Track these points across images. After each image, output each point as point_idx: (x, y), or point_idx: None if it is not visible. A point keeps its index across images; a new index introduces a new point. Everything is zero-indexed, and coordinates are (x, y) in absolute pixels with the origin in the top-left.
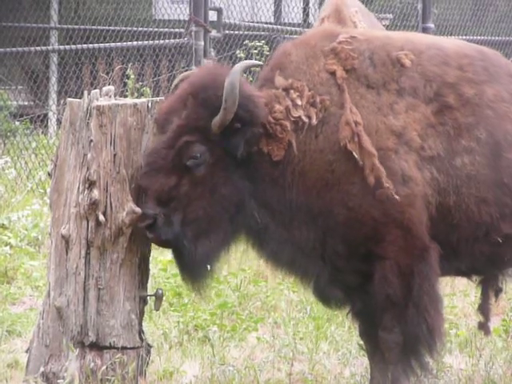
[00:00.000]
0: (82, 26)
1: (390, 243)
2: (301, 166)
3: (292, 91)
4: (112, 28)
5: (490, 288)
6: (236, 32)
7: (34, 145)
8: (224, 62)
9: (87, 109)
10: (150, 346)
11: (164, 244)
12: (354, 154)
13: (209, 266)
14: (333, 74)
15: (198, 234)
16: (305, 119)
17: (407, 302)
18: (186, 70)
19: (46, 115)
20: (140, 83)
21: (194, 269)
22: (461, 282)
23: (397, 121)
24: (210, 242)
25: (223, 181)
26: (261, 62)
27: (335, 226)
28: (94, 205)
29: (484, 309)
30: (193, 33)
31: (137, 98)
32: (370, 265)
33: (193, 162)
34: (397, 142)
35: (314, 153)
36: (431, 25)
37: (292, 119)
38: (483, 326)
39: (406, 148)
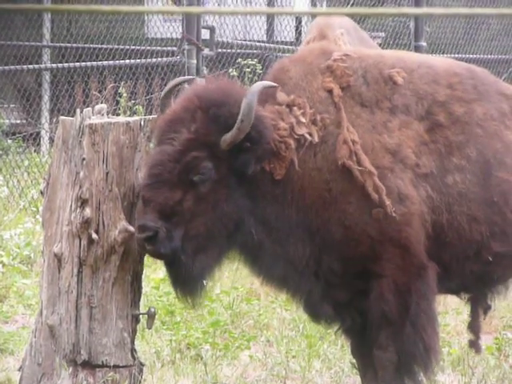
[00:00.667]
0: (75, 45)
1: (388, 261)
2: (300, 184)
3: (295, 108)
4: (104, 46)
5: (479, 306)
6: (229, 50)
7: (26, 163)
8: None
9: (80, 127)
10: (142, 364)
11: (160, 257)
12: (354, 172)
13: (204, 282)
14: (330, 92)
15: (197, 249)
16: (308, 137)
17: (404, 321)
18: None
19: (38, 133)
20: (132, 101)
21: (190, 284)
22: (453, 300)
23: (391, 139)
24: (207, 257)
25: (225, 198)
26: (276, 84)
27: (332, 243)
28: (86, 223)
29: (474, 327)
30: (185, 51)
31: (129, 116)
32: (365, 282)
33: (199, 178)
34: (392, 161)
35: (312, 171)
36: (423, 43)
37: (295, 137)
38: (474, 344)
39: (401, 166)
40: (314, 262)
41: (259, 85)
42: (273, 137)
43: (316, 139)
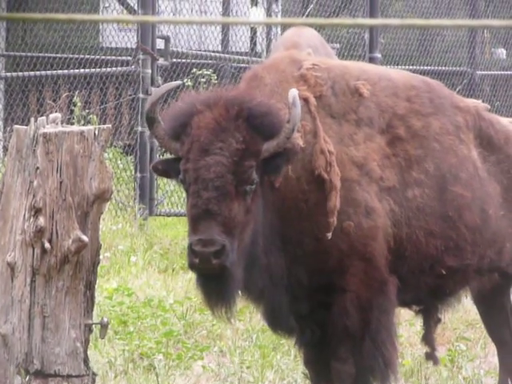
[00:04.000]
0: (29, 54)
1: (353, 275)
2: (283, 193)
3: None
4: (59, 55)
5: (430, 318)
6: (183, 60)
7: None
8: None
9: (34, 136)
10: (95, 374)
11: (223, 270)
12: (327, 183)
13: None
14: (306, 100)
15: (242, 261)
16: (299, 142)
17: (364, 335)
18: (133, 99)
19: None
20: (87, 111)
21: (232, 296)
22: (406, 312)
23: (357, 151)
24: (242, 268)
25: (257, 208)
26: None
27: (303, 255)
28: (39, 232)
29: (428, 339)
30: (140, 61)
31: (83, 125)
32: (328, 295)
33: (249, 189)
34: (359, 174)
35: (292, 180)
36: (378, 55)
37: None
38: (431, 356)
39: (367, 179)
40: (285, 274)
41: (296, 92)
42: None
43: (302, 145)
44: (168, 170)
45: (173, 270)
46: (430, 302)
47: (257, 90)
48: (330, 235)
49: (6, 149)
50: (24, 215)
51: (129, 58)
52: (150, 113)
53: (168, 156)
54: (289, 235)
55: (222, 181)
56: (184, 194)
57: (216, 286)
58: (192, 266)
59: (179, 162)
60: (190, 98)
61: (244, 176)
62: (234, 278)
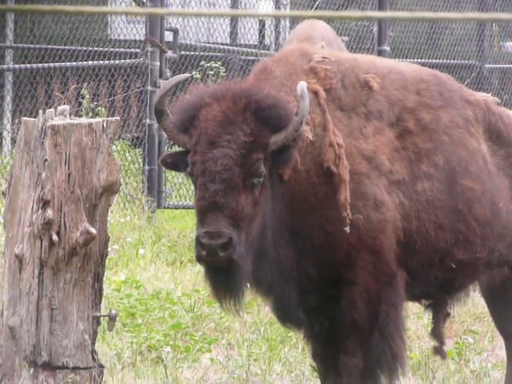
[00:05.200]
0: (38, 46)
1: (361, 269)
2: (292, 186)
3: None
4: (67, 47)
5: (440, 312)
6: (192, 53)
7: None
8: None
9: (42, 128)
10: (102, 366)
11: (230, 263)
12: (336, 176)
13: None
14: (315, 93)
15: (250, 254)
16: (308, 135)
17: (372, 328)
18: (142, 91)
19: (0, 134)
20: (95, 103)
21: (240, 289)
22: (414, 305)
23: (367, 145)
24: (250, 260)
25: (266, 200)
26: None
27: (311, 248)
28: (47, 224)
29: (437, 333)
30: (148, 53)
31: (92, 117)
32: (336, 288)
33: (257, 181)
34: (368, 167)
35: (301, 173)
36: (387, 48)
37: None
38: (439, 351)
39: (376, 172)
40: (295, 267)
41: (305, 84)
42: None
43: (311, 138)
44: (177, 162)
45: (181, 263)
46: (439, 296)
47: (266, 82)
48: (348, 229)
49: (14, 141)
50: (32, 207)
51: (137, 50)
52: (159, 105)
53: (176, 149)
54: (298, 228)
55: (230, 173)
56: (192, 187)
57: (224, 278)
58: (199, 259)
59: (188, 154)
60: (198, 90)
61: (251, 169)
62: (242, 270)
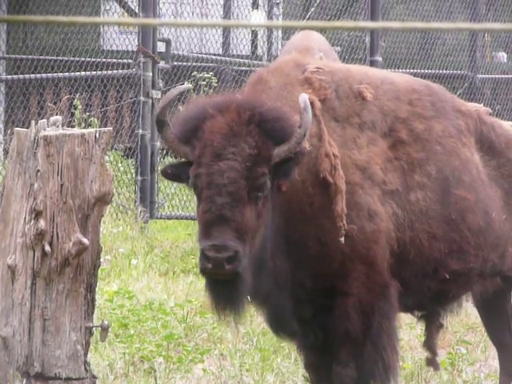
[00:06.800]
0: (30, 56)
1: (354, 279)
2: (289, 196)
3: None
4: (60, 58)
5: (433, 324)
6: (184, 63)
7: None
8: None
9: (34, 139)
10: (95, 377)
11: (232, 276)
12: (332, 187)
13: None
14: (311, 103)
15: (251, 265)
16: (306, 146)
17: (365, 339)
18: (134, 101)
19: None
20: (87, 113)
21: (241, 302)
22: (407, 315)
23: (360, 155)
24: (251, 272)
25: (267, 212)
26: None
27: (306, 259)
28: (40, 235)
29: (430, 345)
30: (141, 63)
31: (84, 128)
32: (330, 299)
33: (261, 194)
34: (362, 177)
35: (297, 183)
36: (379, 58)
37: None
38: (432, 362)
39: (369, 182)
40: (290, 278)
41: (307, 97)
42: None
43: (308, 148)
44: (178, 173)
45: (173, 273)
46: (432, 307)
47: (262, 93)
48: (343, 239)
49: (6, 151)
50: (25, 218)
51: (130, 60)
52: (161, 116)
53: (170, 160)
54: (293, 238)
55: (236, 186)
56: (185, 197)
57: (227, 290)
58: (204, 271)
59: (189, 165)
60: (199, 102)
61: (256, 182)
62: (245, 283)
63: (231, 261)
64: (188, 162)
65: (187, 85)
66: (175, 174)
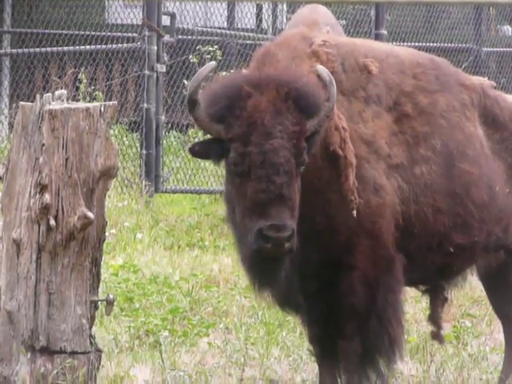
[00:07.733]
0: (35, 30)
1: (360, 253)
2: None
3: None
4: (65, 32)
5: (437, 297)
6: (189, 37)
7: None
8: (177, 67)
9: (39, 112)
10: (100, 350)
11: (288, 253)
12: (340, 160)
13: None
14: (319, 77)
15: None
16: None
17: (370, 313)
18: (139, 75)
19: None
20: (92, 87)
21: (282, 275)
22: (412, 289)
23: (366, 129)
24: None
25: (299, 187)
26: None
27: (314, 232)
28: (45, 209)
29: (435, 318)
30: (146, 37)
31: (89, 102)
32: (335, 273)
33: (301, 170)
34: (368, 151)
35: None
36: (384, 31)
37: None
38: (437, 336)
39: (375, 156)
40: (297, 251)
41: (326, 69)
42: None
43: None
44: (207, 151)
45: (179, 247)
46: (437, 280)
47: (270, 66)
48: (355, 213)
49: (11, 125)
50: (30, 192)
51: (134, 34)
52: (193, 95)
53: (205, 138)
54: (301, 212)
55: (290, 165)
56: (190, 171)
57: (275, 267)
58: (262, 251)
59: (219, 143)
60: (231, 79)
61: (301, 159)
62: (288, 259)
63: (289, 239)
64: (217, 139)
65: (212, 63)
66: (203, 152)
